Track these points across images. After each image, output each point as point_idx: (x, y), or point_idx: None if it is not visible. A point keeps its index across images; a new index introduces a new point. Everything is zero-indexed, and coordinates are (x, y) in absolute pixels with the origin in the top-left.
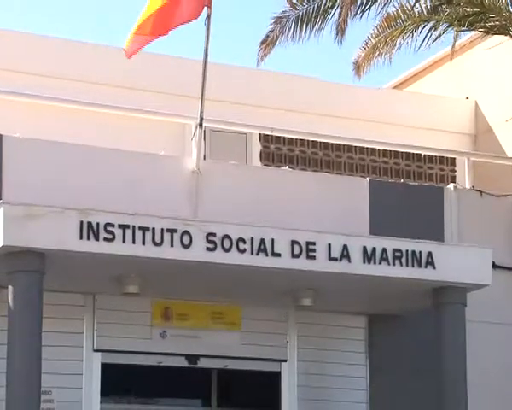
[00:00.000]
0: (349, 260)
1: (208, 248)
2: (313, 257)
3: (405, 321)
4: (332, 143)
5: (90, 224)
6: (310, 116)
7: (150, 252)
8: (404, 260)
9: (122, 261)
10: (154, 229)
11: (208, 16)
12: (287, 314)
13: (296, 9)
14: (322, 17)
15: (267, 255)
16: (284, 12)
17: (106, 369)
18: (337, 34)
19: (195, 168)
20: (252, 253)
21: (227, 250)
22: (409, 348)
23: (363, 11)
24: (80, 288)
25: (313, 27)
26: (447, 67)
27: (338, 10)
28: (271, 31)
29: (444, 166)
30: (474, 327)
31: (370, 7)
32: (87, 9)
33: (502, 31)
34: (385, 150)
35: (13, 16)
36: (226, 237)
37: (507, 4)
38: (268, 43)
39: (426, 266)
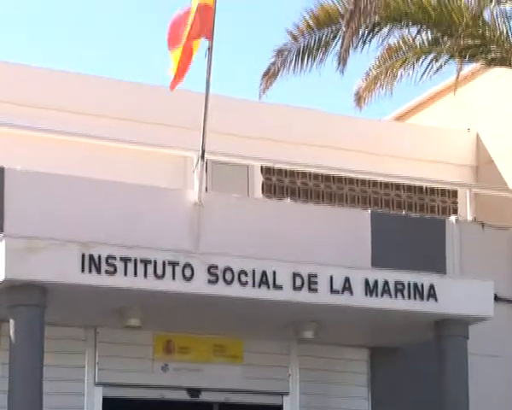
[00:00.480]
0: (351, 293)
1: (210, 281)
2: (315, 290)
3: (407, 353)
4: (334, 175)
5: (91, 256)
6: (311, 148)
7: (152, 285)
8: (406, 292)
9: (124, 294)
10: (155, 261)
11: (209, 49)
12: (289, 347)
13: (297, 42)
14: (324, 49)
15: (269, 288)
16: (286, 44)
17: (107, 403)
18: (339, 64)
19: (197, 200)
20: (253, 285)
21: (229, 283)
22: (411, 380)
23: (364, 42)
24: (81, 321)
25: (315, 59)
26: (448, 98)
27: (340, 41)
28: (273, 63)
29: (445, 197)
30: (476, 360)
31: (372, 38)
32: (87, 42)
33: (503, 62)
34: (386, 182)
35: (18, 48)
36: (228, 269)
37: (508, 36)
38: (270, 75)
39: (428, 299)
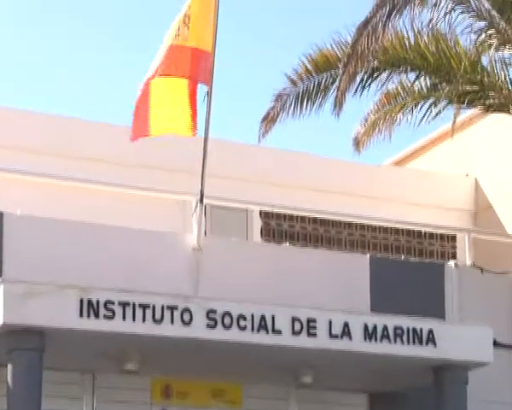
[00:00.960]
0: (350, 338)
1: (209, 326)
2: (314, 334)
3: (406, 398)
4: (332, 220)
5: (90, 301)
6: (310, 192)
7: (150, 329)
8: (405, 337)
9: (122, 339)
10: (154, 306)
11: (208, 93)
12: (287, 392)
13: (296, 86)
14: (323, 93)
15: (268, 333)
16: (285, 89)
17: None
18: (335, 107)
19: (196, 245)
20: (252, 330)
21: (227, 327)
22: None
23: (363, 88)
24: (79, 366)
25: (313, 104)
26: (447, 143)
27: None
28: (272, 108)
29: (444, 242)
30: (476, 405)
31: (371, 83)
32: (84, 85)
33: (501, 108)
34: (385, 227)
35: (17, 93)
36: (227, 314)
37: (506, 83)
38: (269, 119)
39: (427, 344)
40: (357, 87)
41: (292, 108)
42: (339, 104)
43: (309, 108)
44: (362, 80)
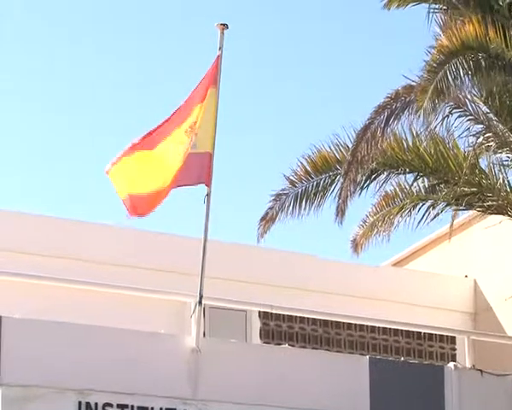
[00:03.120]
0: None
1: None
2: None
3: None
4: (332, 321)
5: (88, 404)
6: (309, 293)
7: None
8: None
9: None
10: (152, 409)
11: (207, 195)
12: None
13: (295, 187)
14: (322, 194)
15: None
16: (283, 189)
17: None
18: (337, 215)
19: (195, 346)
20: None
21: None
22: None
23: (361, 189)
24: None
25: (312, 204)
26: (446, 244)
27: (337, 186)
28: (271, 207)
29: (444, 344)
30: None
31: (369, 184)
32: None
33: (500, 211)
34: (385, 328)
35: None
36: None
37: (504, 185)
38: (267, 219)
39: None
40: (356, 188)
41: (291, 207)
42: (341, 213)
43: (308, 207)
44: (360, 182)
